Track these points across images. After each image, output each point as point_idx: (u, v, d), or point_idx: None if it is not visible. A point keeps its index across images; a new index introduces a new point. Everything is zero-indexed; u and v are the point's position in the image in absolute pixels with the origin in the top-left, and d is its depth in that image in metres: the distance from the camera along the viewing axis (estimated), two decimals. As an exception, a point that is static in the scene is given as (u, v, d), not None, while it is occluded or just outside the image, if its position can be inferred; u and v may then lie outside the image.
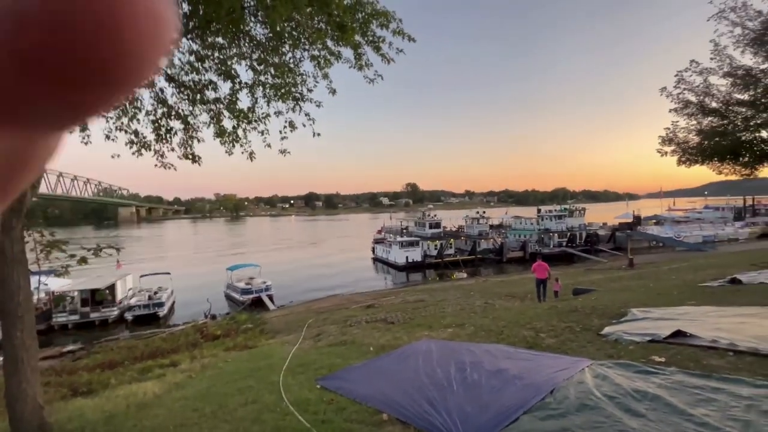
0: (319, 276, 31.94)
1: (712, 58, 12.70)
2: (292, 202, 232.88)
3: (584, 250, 36.55)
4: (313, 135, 5.85)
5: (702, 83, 12.95)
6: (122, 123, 5.69)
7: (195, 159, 6.01)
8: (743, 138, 12.49)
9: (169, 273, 24.96)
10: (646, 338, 5.45)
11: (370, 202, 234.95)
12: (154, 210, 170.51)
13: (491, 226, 44.75)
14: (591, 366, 4.55)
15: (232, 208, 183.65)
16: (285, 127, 5.69)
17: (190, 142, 5.95)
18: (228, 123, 5.76)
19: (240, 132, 5.79)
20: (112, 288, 20.18)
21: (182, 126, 5.82)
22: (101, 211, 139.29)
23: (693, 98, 13.12)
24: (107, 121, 5.59)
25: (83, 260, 3.65)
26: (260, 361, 7.49)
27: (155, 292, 22.05)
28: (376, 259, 40.72)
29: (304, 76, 5.57)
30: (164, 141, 5.83)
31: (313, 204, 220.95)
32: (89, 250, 3.80)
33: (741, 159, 13.03)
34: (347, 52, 5.22)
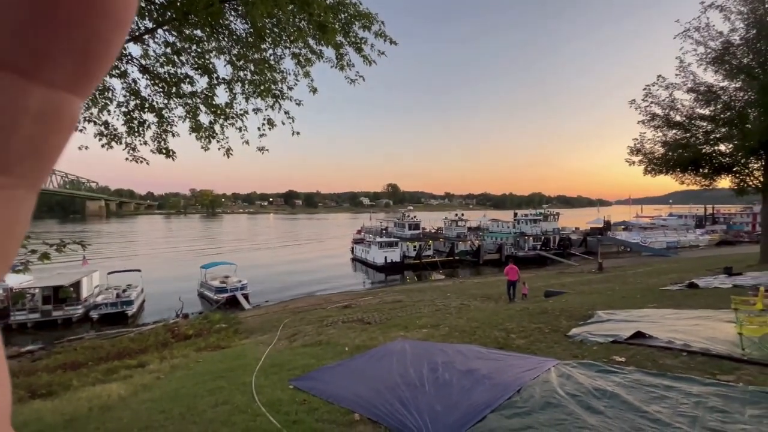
0: (296, 275, 31.59)
1: (677, 74, 13.46)
2: (271, 200, 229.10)
3: (557, 253, 37.74)
4: (293, 133, 5.81)
5: (668, 97, 13.70)
6: (91, 113, 5.48)
7: (169, 154, 5.85)
8: (704, 150, 13.27)
9: (139, 270, 24.06)
10: (609, 339, 5.72)
11: (351, 201, 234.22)
12: (125, 204, 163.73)
13: (469, 229, 45.49)
14: (557, 366, 4.74)
15: (208, 205, 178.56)
16: (263, 124, 5.63)
17: (164, 136, 5.79)
18: (204, 118, 5.65)
19: (217, 128, 5.68)
20: (77, 285, 19.24)
21: (156, 119, 5.65)
22: (67, 204, 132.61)
23: (659, 111, 13.84)
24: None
25: (45, 256, 3.48)
26: (233, 362, 7.37)
27: (123, 290, 21.17)
28: (355, 259, 40.64)
29: (284, 74, 5.53)
30: (136, 134, 5.65)
31: (293, 202, 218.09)
32: (52, 245, 3.63)
33: (701, 170, 13.85)
34: (329, 52, 5.23)
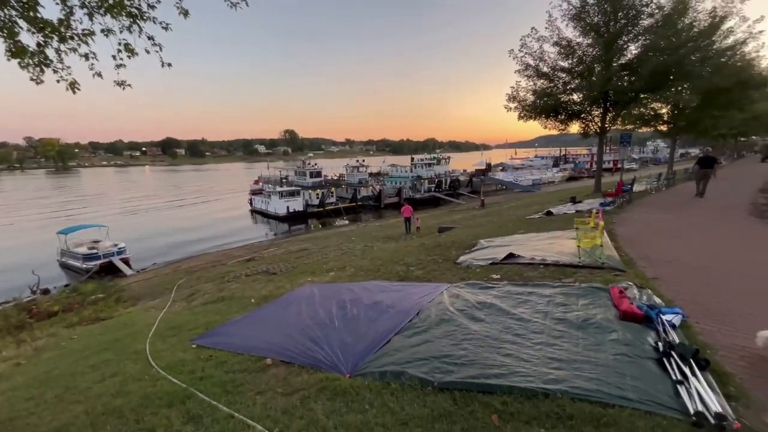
0: (188, 233, 28.68)
1: (546, 28, 14.99)
2: (144, 149, 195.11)
3: (449, 194, 41.61)
4: (162, 65, 4.84)
5: (538, 49, 15.29)
6: None
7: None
8: (562, 99, 15.52)
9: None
10: (488, 262, 6.75)
11: (244, 150, 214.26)
12: None
13: (370, 174, 46.55)
14: (448, 288, 5.45)
15: (54, 157, 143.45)
16: (119, 51, 4.55)
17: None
18: (29, 38, 4.29)
19: (50, 53, 4.38)
20: None
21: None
22: None
23: (531, 62, 15.46)
24: None
25: None
26: (119, 332, 6.59)
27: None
28: (254, 211, 38.49)
29: (141, -15, 4.43)
30: None
31: (173, 152, 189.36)
32: None
33: (559, 116, 16.29)
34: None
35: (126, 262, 20.39)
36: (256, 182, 45.54)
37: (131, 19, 4.45)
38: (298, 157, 63.80)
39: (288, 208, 33.58)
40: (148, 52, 4.72)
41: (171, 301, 9.03)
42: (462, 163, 66.28)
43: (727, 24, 15.06)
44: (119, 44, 4.51)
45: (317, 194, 37.78)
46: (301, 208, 34.44)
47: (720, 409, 2.41)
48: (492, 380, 2.95)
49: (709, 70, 14.01)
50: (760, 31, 15.72)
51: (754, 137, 45.98)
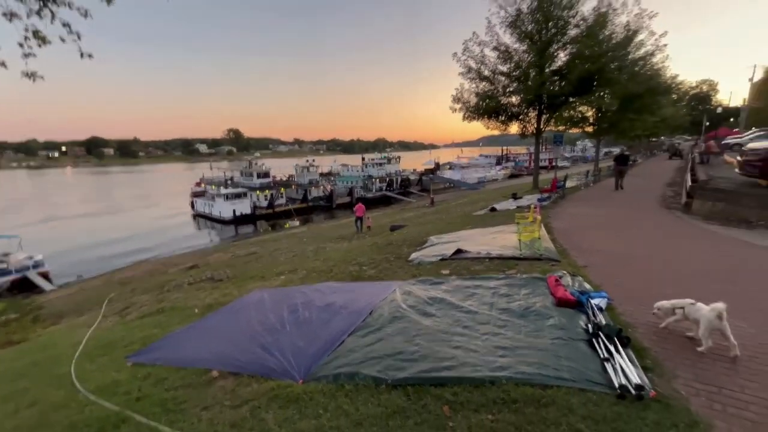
0: (123, 243, 26.22)
1: (486, 33, 15.78)
2: (64, 149, 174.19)
3: (400, 192, 42.31)
4: (81, 56, 4.37)
5: (479, 53, 16.06)
6: None
7: None
8: (502, 101, 16.45)
9: None
10: (438, 258, 6.96)
11: (184, 149, 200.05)
12: None
13: (321, 174, 45.87)
14: (400, 286, 5.54)
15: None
16: (27, 39, 4.02)
17: None
18: None
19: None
20: None
21: None
22: None
23: (473, 65, 16.20)
24: None
25: None
26: (37, 355, 5.86)
27: None
28: (197, 215, 36.19)
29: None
30: None
31: (100, 152, 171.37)
32: None
33: (500, 117, 17.26)
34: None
35: (45, 276, 18.17)
36: (198, 184, 42.90)
37: (41, 2, 3.96)
38: (243, 157, 61.12)
39: (234, 210, 32.03)
40: (63, 40, 4.23)
41: (101, 317, 8.20)
42: (412, 163, 67.71)
43: (639, 37, 16.94)
44: (26, 30, 3.99)
45: (266, 195, 36.43)
46: (248, 211, 33.02)
47: (639, 381, 2.72)
48: (443, 373, 3.05)
49: (625, 77, 15.69)
50: (665, 44, 17.91)
51: (662, 138, 52.25)
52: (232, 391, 3.33)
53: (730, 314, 3.21)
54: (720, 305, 3.17)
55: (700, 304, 3.36)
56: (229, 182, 40.70)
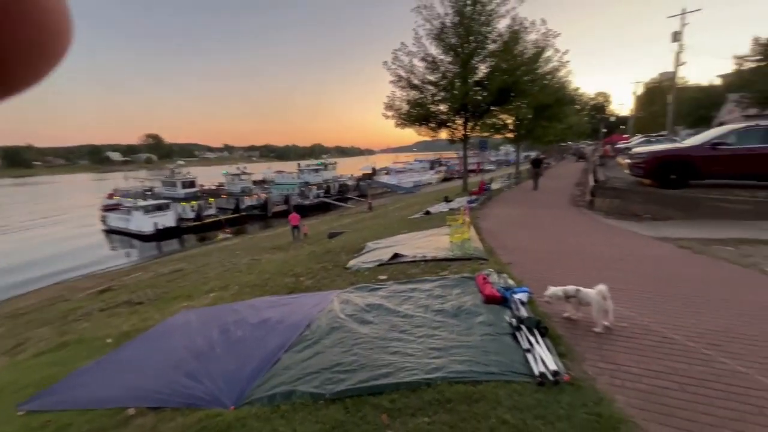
0: (15, 269, 22.25)
1: (413, 44, 16.46)
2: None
3: (338, 198, 41.98)
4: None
5: (408, 63, 16.68)
6: None
7: None
8: (431, 109, 17.26)
9: None
10: (375, 263, 7.03)
11: (92, 158, 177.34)
12: None
13: (254, 182, 43.80)
14: (338, 295, 5.49)
15: None
16: None
17: None
18: None
19: None
20: None
21: None
22: None
23: (403, 74, 16.77)
24: None
25: None
26: None
27: None
28: (110, 231, 32.18)
29: None
30: None
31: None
32: None
33: (430, 124, 18.09)
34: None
35: None
36: (111, 196, 38.31)
37: None
38: (165, 166, 55.98)
39: (156, 224, 29.07)
40: None
41: (-17, 360, 6.87)
42: (349, 168, 67.66)
43: (547, 53, 18.97)
44: None
45: (192, 206, 33.69)
46: (172, 224, 30.20)
47: (555, 367, 3.01)
48: (381, 380, 3.08)
49: (537, 89, 17.43)
50: (567, 61, 20.29)
51: (570, 143, 59.07)
52: (153, 429, 3.00)
53: (617, 298, 3.74)
54: (602, 287, 3.66)
55: (586, 289, 3.83)
56: (148, 193, 36.96)
